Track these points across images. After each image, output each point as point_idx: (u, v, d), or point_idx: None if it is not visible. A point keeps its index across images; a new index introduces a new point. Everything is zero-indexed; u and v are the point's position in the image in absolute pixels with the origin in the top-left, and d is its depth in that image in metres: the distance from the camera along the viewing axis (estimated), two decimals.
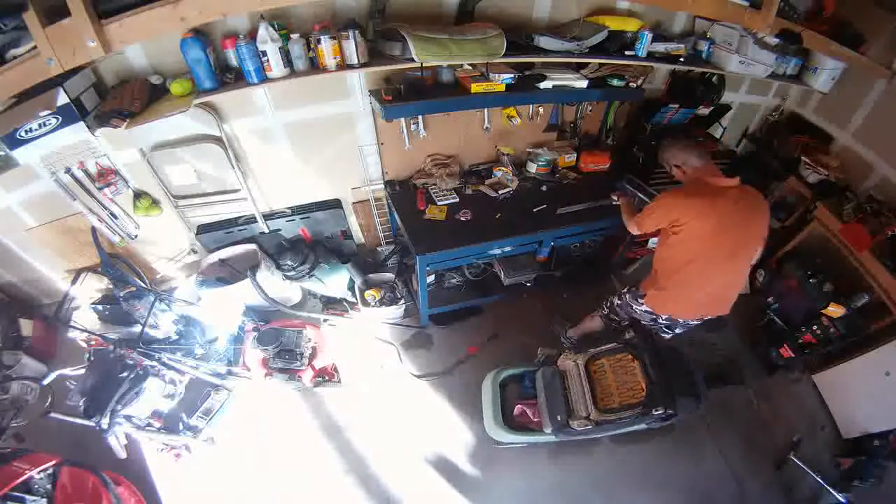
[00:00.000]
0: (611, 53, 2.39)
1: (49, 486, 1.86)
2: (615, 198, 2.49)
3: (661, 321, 2.28)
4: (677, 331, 2.37)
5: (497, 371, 2.54)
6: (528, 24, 2.42)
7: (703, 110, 2.99)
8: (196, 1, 1.62)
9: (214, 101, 2.21)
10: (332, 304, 3.15)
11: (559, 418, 2.13)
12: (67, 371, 2.06)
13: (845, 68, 2.70)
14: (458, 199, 2.76)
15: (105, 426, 1.86)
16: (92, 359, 2.06)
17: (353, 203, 3.05)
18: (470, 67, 2.42)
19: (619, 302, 2.41)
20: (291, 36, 1.96)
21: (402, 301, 3.02)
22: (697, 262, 1.99)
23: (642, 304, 2.25)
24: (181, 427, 2.26)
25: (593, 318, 2.66)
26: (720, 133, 3.37)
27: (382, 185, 2.95)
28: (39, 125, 1.90)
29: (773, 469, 2.59)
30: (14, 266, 2.76)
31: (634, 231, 2.22)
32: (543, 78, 2.41)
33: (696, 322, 2.26)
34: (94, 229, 2.38)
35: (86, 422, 1.86)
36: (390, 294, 3.03)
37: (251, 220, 2.82)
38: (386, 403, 2.72)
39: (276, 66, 1.99)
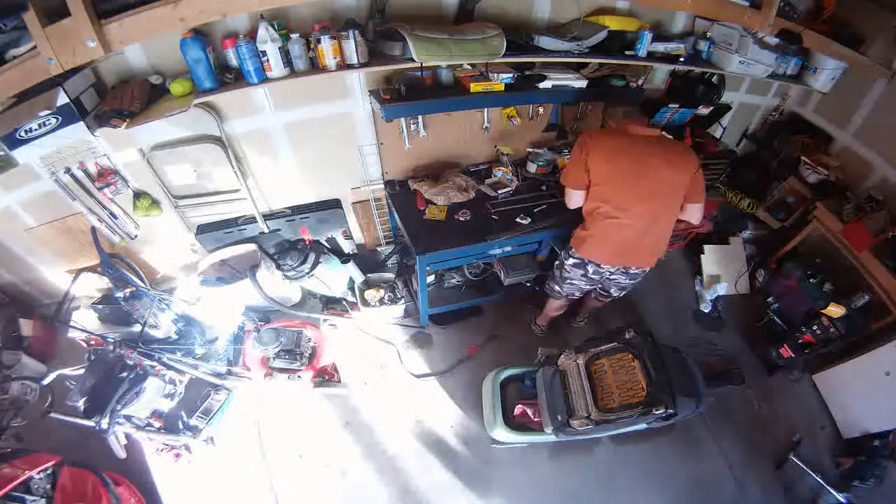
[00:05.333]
0: (611, 53, 2.39)
1: (49, 486, 1.86)
2: None
3: (589, 272, 2.30)
4: (612, 291, 2.46)
5: (497, 371, 2.54)
6: (527, 23, 2.43)
7: (703, 110, 2.99)
8: (196, 1, 1.62)
9: (214, 101, 2.21)
10: (332, 304, 3.15)
11: (559, 418, 2.13)
12: (67, 371, 2.06)
13: (845, 68, 2.70)
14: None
15: (105, 426, 1.86)
16: (92, 359, 2.06)
17: (353, 203, 3.05)
18: (470, 67, 2.42)
19: (556, 263, 2.48)
20: (291, 36, 1.96)
21: (402, 301, 3.02)
22: (612, 202, 2.06)
23: (571, 253, 2.29)
24: (181, 427, 2.26)
25: (549, 300, 2.76)
26: (720, 133, 3.37)
27: (382, 185, 2.95)
28: (39, 125, 1.90)
29: (773, 469, 2.59)
30: (14, 266, 2.76)
31: (572, 199, 2.19)
32: (543, 78, 2.41)
33: (620, 273, 2.28)
34: (94, 229, 2.38)
35: (86, 422, 1.86)
36: (390, 294, 3.03)
37: (251, 220, 2.82)
38: (386, 403, 2.72)
39: (275, 66, 1.98)
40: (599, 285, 2.48)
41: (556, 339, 3.05)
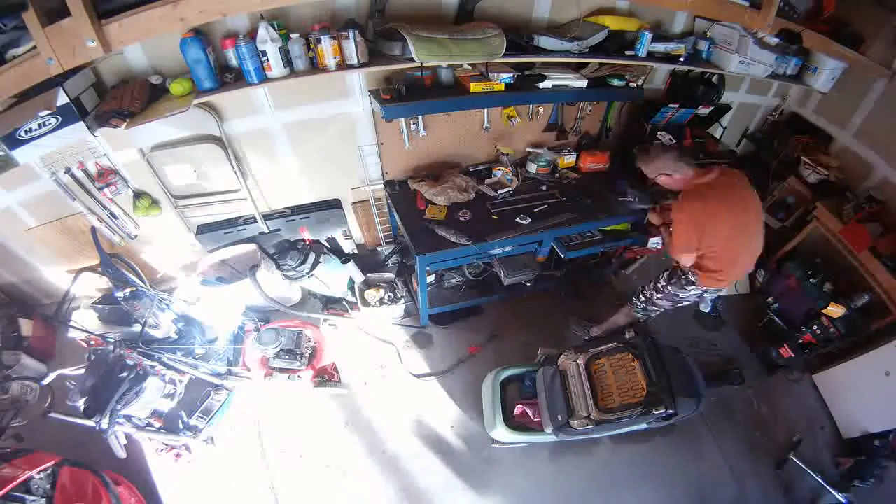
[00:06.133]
0: (611, 53, 2.39)
1: (49, 486, 1.86)
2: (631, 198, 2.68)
3: (707, 298, 2.49)
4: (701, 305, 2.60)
5: (497, 371, 2.54)
6: (527, 23, 2.42)
7: (703, 110, 2.99)
8: (196, 1, 1.62)
9: (214, 101, 2.21)
10: (332, 304, 3.14)
11: (559, 418, 2.13)
12: (67, 371, 2.06)
13: (845, 68, 2.70)
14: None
15: (105, 426, 1.85)
16: (92, 359, 2.06)
17: (353, 203, 3.05)
18: (470, 67, 2.42)
19: (659, 295, 2.50)
20: (291, 36, 1.96)
21: (402, 301, 3.02)
22: (737, 248, 2.21)
23: (692, 288, 2.37)
24: (181, 427, 2.26)
25: (620, 314, 2.78)
26: (720, 133, 3.37)
27: (382, 185, 2.95)
28: (39, 125, 1.90)
29: (773, 469, 2.59)
30: (14, 266, 2.76)
31: (686, 260, 2.24)
32: (543, 78, 2.41)
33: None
34: (94, 229, 2.38)
35: (86, 422, 1.86)
36: (390, 294, 3.03)
37: (251, 220, 2.82)
38: (386, 403, 2.72)
39: (275, 66, 1.98)
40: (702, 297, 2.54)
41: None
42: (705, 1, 2.27)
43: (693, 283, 2.33)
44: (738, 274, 2.41)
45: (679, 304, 2.52)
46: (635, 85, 2.63)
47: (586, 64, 2.55)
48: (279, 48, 1.95)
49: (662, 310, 2.60)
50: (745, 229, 2.20)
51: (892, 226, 2.63)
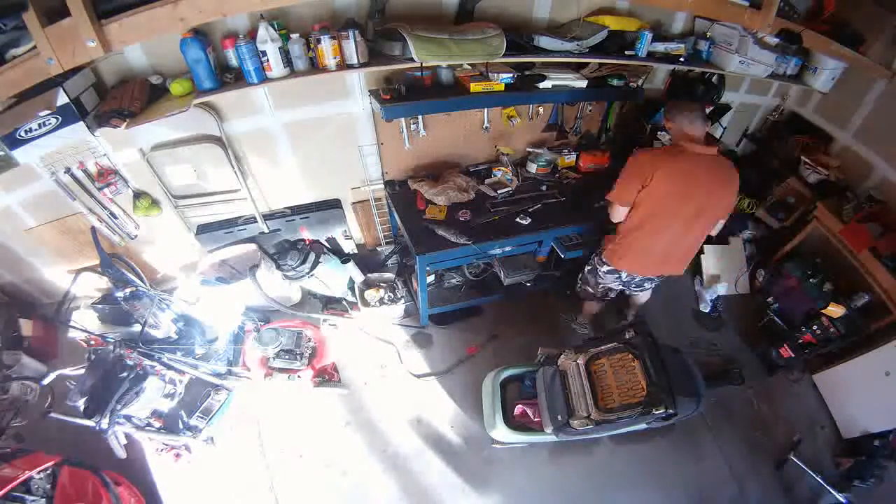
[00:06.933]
0: (611, 53, 2.39)
1: (49, 486, 1.86)
2: None
3: (622, 277, 2.41)
4: (646, 285, 2.55)
5: (497, 371, 2.53)
6: (527, 23, 2.43)
7: None
8: (195, 1, 1.62)
9: (214, 100, 2.21)
10: (332, 304, 3.14)
11: (559, 418, 2.13)
12: (67, 371, 2.05)
13: (845, 68, 2.70)
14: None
15: (105, 426, 1.85)
16: (92, 359, 2.06)
17: (353, 203, 3.05)
18: (470, 67, 2.42)
19: (588, 268, 2.57)
20: (291, 36, 1.96)
21: (402, 301, 3.02)
22: (658, 219, 2.10)
23: (605, 263, 2.38)
24: (181, 427, 2.26)
25: (585, 301, 2.84)
26: (720, 133, 3.37)
27: (382, 185, 2.95)
28: (39, 125, 1.90)
29: (773, 469, 2.59)
30: (14, 266, 2.76)
31: (616, 214, 2.20)
32: (543, 78, 2.41)
33: (655, 278, 2.46)
34: (93, 229, 2.38)
35: (86, 422, 1.86)
36: (390, 294, 3.03)
37: (251, 220, 2.82)
38: (386, 403, 2.72)
39: (275, 66, 1.99)
40: (633, 285, 2.53)
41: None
42: (705, 1, 2.27)
43: (605, 263, 2.35)
44: (643, 263, 2.27)
45: (602, 284, 2.50)
46: (635, 85, 2.63)
47: (586, 64, 2.55)
48: (279, 48, 1.95)
49: (598, 289, 2.57)
50: (676, 213, 2.05)
51: (892, 226, 2.63)
